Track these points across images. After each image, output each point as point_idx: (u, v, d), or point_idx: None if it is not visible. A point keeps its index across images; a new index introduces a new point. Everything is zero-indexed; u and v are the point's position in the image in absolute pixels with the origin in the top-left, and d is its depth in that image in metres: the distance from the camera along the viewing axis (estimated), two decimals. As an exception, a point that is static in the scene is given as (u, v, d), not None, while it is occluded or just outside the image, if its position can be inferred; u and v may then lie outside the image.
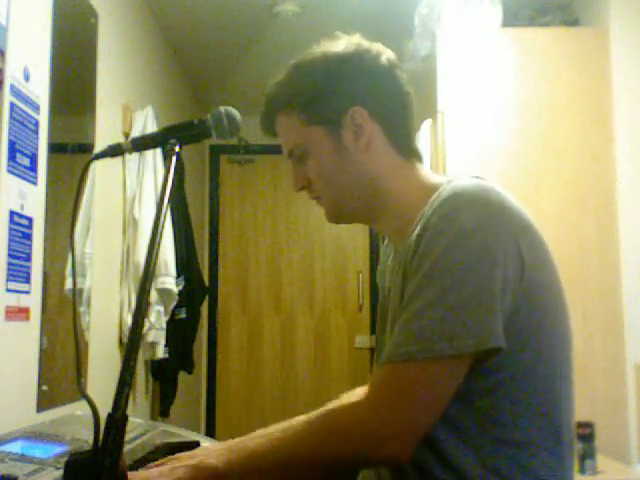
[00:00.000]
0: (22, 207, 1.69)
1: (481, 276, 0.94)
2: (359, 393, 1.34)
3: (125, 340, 2.48)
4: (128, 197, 2.58)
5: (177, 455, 1.16)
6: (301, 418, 1.07)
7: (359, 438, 0.96)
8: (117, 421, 0.81)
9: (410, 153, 1.16)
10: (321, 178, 1.14)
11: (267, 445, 1.01)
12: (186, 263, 2.97)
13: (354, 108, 1.11)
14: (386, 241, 1.29)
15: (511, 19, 2.73)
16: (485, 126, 2.54)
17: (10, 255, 1.62)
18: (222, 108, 1.05)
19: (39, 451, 1.23)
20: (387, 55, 1.15)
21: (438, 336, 0.93)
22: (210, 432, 4.37)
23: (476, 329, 0.93)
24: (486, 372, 0.98)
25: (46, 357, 1.84)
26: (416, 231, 1.01)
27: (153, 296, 2.58)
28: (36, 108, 1.77)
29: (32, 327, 1.77)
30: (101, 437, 0.80)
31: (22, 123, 1.68)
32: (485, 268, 0.95)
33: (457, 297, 0.93)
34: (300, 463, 0.99)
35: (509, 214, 1.00)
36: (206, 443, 1.43)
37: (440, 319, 0.93)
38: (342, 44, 1.15)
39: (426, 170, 1.17)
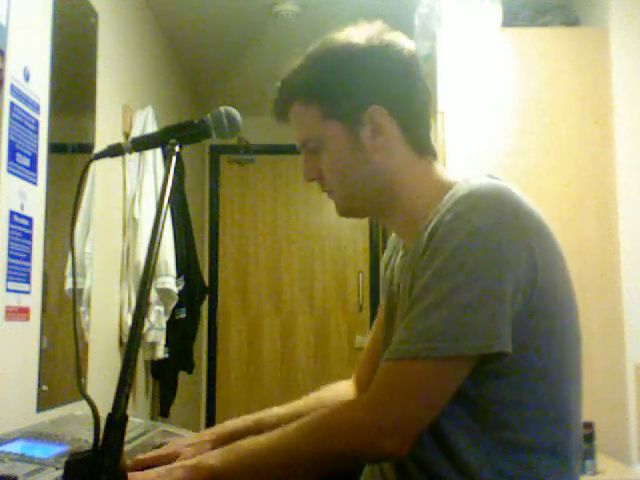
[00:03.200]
0: (22, 207, 1.69)
1: (491, 277, 0.93)
2: (343, 387, 1.35)
3: (125, 340, 2.48)
4: (128, 197, 2.58)
5: (172, 442, 1.18)
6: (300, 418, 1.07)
7: (358, 435, 0.95)
8: (117, 421, 0.81)
9: (426, 150, 1.14)
10: (334, 173, 1.11)
11: (265, 445, 1.00)
12: (186, 263, 2.97)
13: (374, 106, 1.07)
14: (393, 235, 1.26)
15: (511, 19, 2.73)
16: (485, 126, 2.54)
17: (10, 255, 1.62)
18: (222, 108, 1.05)
19: (39, 451, 1.22)
20: (409, 48, 1.12)
21: (442, 336, 0.92)
22: (210, 432, 4.37)
23: (481, 331, 0.92)
24: (497, 375, 0.97)
25: (46, 357, 1.84)
26: (428, 229, 1.00)
27: (153, 296, 2.58)
28: (36, 108, 1.77)
29: (32, 327, 1.77)
30: (101, 437, 0.80)
31: (22, 123, 1.68)
32: (495, 269, 0.93)
33: (465, 298, 0.92)
34: (298, 462, 0.99)
35: (523, 216, 0.98)
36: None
37: (446, 319, 0.92)
38: (365, 34, 1.11)
39: (441, 168, 1.15)
